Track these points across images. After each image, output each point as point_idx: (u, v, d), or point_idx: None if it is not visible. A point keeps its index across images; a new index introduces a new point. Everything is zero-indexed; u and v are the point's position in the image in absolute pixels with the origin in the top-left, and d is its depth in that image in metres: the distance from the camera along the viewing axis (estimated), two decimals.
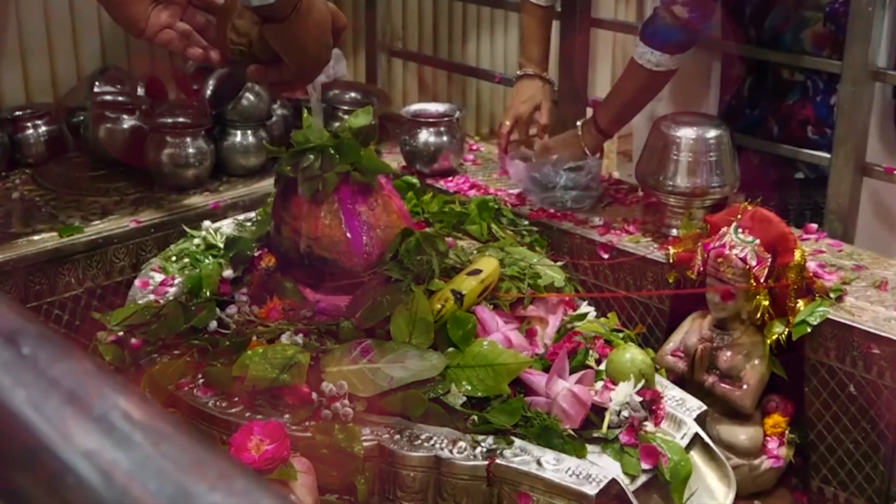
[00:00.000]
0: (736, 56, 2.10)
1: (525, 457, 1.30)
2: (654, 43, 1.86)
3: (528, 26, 2.19)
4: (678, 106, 2.13)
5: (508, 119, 2.12)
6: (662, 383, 1.48)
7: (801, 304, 1.61)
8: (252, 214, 1.94)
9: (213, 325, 1.52)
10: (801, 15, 2.04)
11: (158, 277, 1.74)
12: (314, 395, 1.37)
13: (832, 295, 1.63)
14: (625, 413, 1.34)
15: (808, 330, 1.59)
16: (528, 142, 2.14)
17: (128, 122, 2.16)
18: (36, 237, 1.87)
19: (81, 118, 2.23)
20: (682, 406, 1.43)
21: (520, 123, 2.12)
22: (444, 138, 2.17)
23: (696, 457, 1.38)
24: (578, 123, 2.04)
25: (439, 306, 1.45)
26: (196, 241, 1.83)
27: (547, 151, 2.05)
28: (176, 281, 1.72)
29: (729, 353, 1.64)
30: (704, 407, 1.45)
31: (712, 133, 1.83)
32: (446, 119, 2.19)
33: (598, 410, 1.36)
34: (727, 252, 1.61)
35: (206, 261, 1.74)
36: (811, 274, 1.65)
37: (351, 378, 1.38)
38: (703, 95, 2.12)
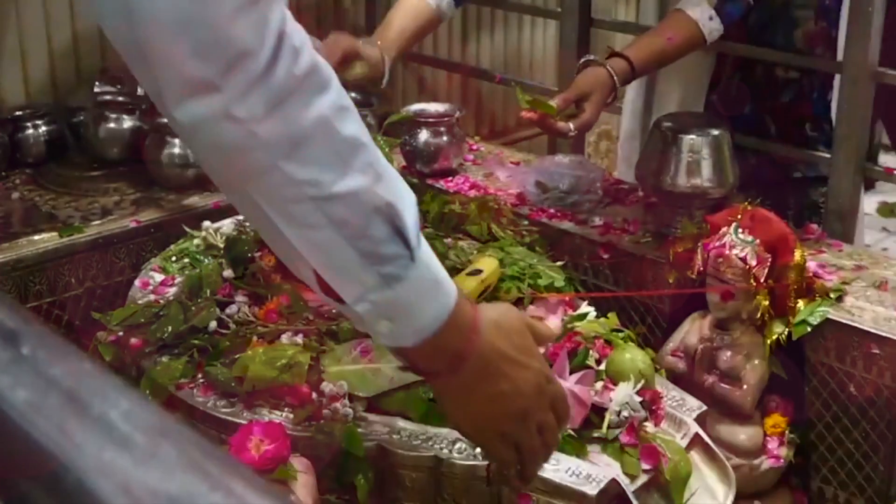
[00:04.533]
0: (725, 55, 2.10)
1: None
2: (727, 19, 1.87)
3: (397, 13, 2.01)
4: (669, 103, 2.12)
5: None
6: (662, 383, 1.48)
7: (801, 304, 1.61)
8: None
9: (213, 325, 1.52)
10: (789, 13, 2.03)
11: (158, 277, 1.73)
12: (314, 395, 1.37)
13: (832, 295, 1.63)
14: (625, 413, 1.34)
15: (808, 330, 1.59)
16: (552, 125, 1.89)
17: (128, 122, 2.16)
18: (36, 237, 1.87)
19: (81, 118, 2.23)
20: (682, 406, 1.43)
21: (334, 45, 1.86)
22: (444, 138, 2.17)
23: (696, 457, 1.38)
24: (599, 60, 1.89)
25: None
26: (196, 241, 1.83)
27: (582, 97, 1.86)
28: (176, 281, 1.72)
29: (729, 353, 1.64)
30: (704, 407, 1.45)
31: (712, 133, 1.83)
32: (446, 119, 2.19)
33: (598, 410, 1.36)
34: (727, 252, 1.61)
35: (206, 261, 1.74)
36: (811, 274, 1.65)
37: (351, 378, 1.38)
38: (694, 94, 2.11)
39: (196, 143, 0.95)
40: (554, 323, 1.54)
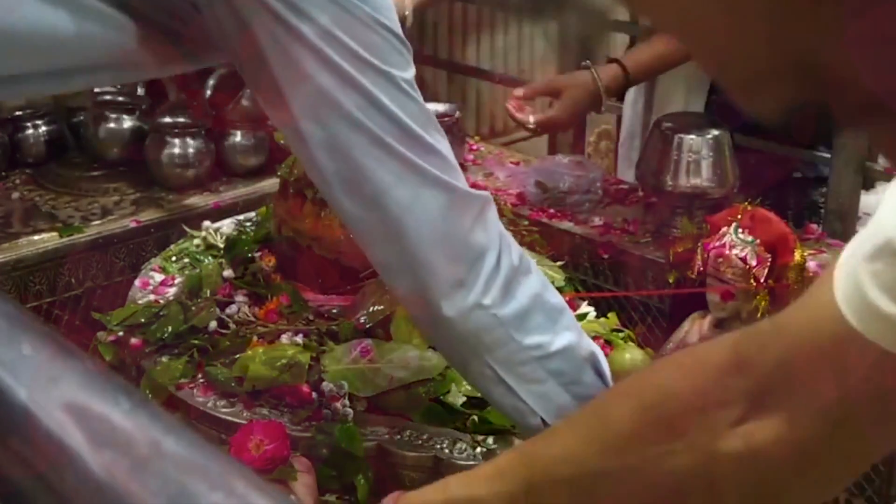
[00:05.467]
0: None
1: None
2: None
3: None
4: (670, 103, 2.12)
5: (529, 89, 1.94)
6: None
7: None
8: (252, 214, 1.94)
9: (213, 325, 1.52)
10: None
11: (158, 277, 1.74)
12: (314, 395, 1.37)
13: None
14: None
15: None
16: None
17: (128, 122, 2.16)
18: (36, 237, 1.87)
19: (81, 118, 2.23)
20: None
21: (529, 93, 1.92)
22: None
23: None
24: (589, 64, 1.90)
25: None
26: (196, 241, 1.83)
27: (551, 91, 1.89)
28: (176, 281, 1.72)
29: None
30: None
31: (712, 133, 1.83)
32: (446, 119, 2.19)
33: None
34: (727, 252, 1.61)
35: (206, 261, 1.74)
36: (811, 274, 1.65)
37: (351, 378, 1.38)
38: (695, 94, 2.11)
39: (456, 330, 1.15)
40: None
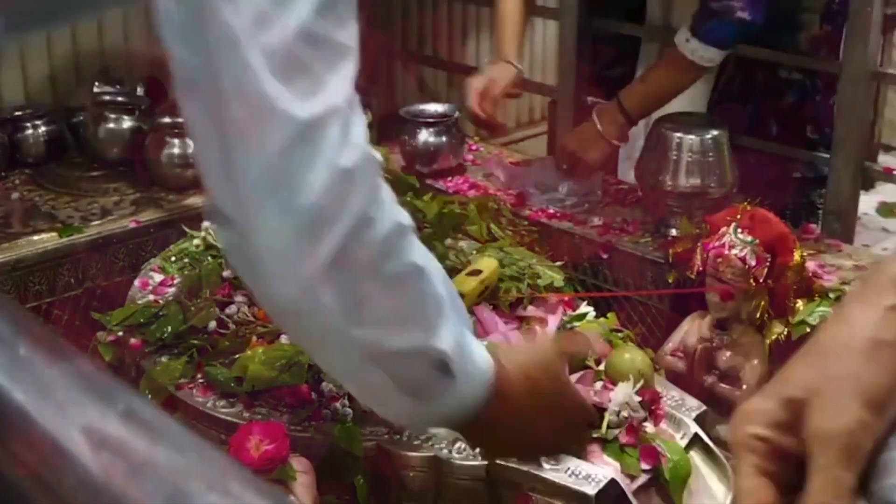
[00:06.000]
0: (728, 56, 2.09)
1: None
2: (710, 39, 1.84)
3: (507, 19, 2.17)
4: (671, 104, 2.12)
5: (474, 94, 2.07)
6: (662, 383, 1.48)
7: (800, 304, 1.61)
8: None
9: (213, 325, 1.52)
10: (794, 16, 2.03)
11: (158, 277, 1.74)
12: (314, 395, 1.37)
13: (832, 295, 1.63)
14: (624, 413, 1.34)
15: (808, 330, 1.59)
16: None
17: (128, 122, 2.16)
18: (36, 237, 1.87)
19: (81, 118, 2.23)
20: (682, 406, 1.43)
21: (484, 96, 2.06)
22: (444, 138, 2.17)
23: (696, 457, 1.38)
24: (594, 117, 1.98)
25: None
26: (196, 241, 1.83)
27: (569, 156, 2.01)
28: (176, 281, 1.72)
29: (728, 353, 1.64)
30: (704, 407, 1.45)
31: (712, 133, 1.83)
32: (446, 119, 2.19)
33: (598, 410, 1.36)
34: (727, 252, 1.61)
35: (206, 261, 1.74)
36: (810, 274, 1.65)
37: None
38: (697, 94, 2.11)
39: (274, 303, 0.94)
40: (553, 323, 1.55)
